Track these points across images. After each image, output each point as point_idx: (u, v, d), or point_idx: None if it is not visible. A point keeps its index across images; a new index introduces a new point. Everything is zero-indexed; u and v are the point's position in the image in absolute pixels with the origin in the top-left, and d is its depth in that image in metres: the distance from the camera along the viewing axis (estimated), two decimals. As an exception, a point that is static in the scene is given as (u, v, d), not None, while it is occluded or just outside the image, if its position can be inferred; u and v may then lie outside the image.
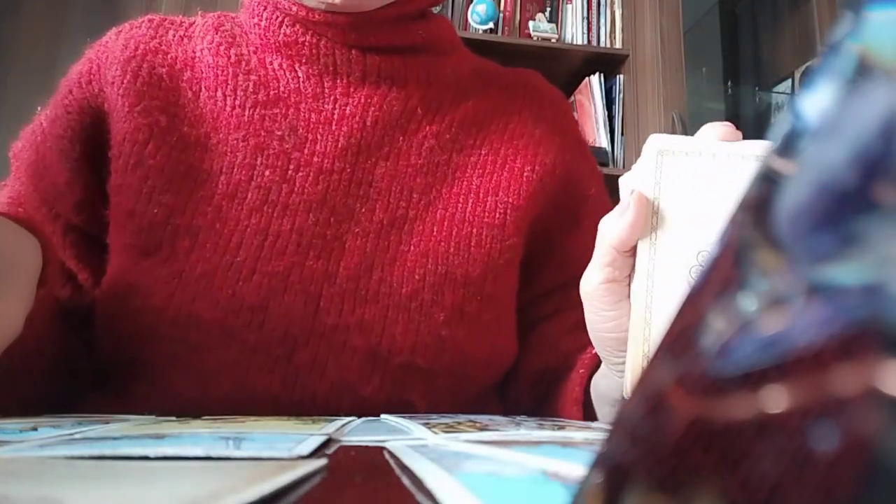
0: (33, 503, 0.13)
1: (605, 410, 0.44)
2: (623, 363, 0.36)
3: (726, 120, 0.33)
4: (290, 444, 0.22)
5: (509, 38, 1.84)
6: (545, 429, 0.30)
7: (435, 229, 0.48)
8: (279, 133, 0.47)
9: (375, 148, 0.48)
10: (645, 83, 1.81)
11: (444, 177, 0.50)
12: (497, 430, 0.28)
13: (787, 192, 0.11)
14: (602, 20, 1.90)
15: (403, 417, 0.35)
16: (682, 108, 1.75)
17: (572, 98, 1.94)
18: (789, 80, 2.19)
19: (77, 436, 0.24)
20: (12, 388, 0.41)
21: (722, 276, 0.11)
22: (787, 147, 0.11)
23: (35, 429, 0.27)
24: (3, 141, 0.56)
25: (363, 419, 0.36)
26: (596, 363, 0.45)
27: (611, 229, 0.34)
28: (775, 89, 2.26)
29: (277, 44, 0.49)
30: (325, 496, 0.16)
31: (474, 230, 0.48)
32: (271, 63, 0.49)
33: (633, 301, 0.34)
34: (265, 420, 0.33)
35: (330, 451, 0.23)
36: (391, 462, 0.21)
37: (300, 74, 0.49)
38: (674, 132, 1.69)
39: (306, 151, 0.47)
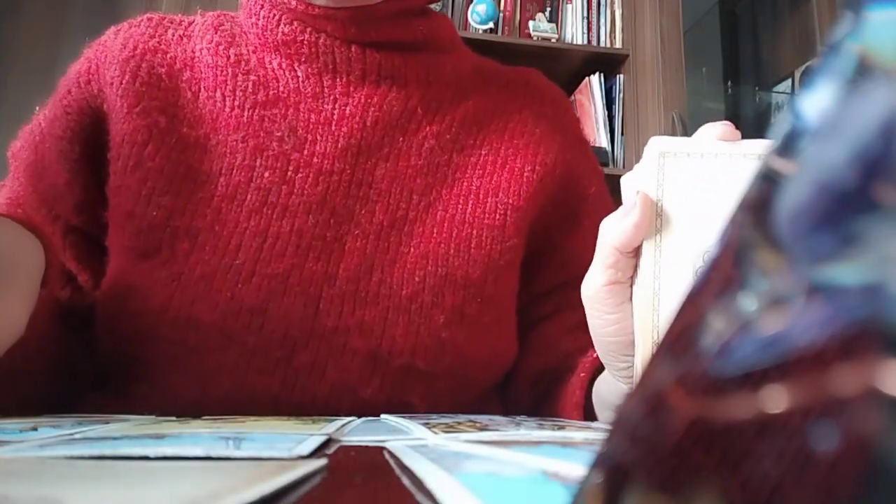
0: (33, 503, 0.12)
1: (606, 415, 0.43)
2: (626, 368, 0.36)
3: (726, 120, 0.33)
4: (290, 444, 0.22)
5: (509, 37, 1.84)
6: (545, 429, 0.30)
7: (435, 231, 0.47)
8: (278, 134, 0.47)
9: (375, 149, 0.48)
10: (645, 83, 1.81)
11: (444, 178, 0.49)
12: (497, 430, 0.28)
13: (787, 192, 0.11)
14: (602, 20, 1.90)
15: (403, 417, 0.35)
16: (682, 107, 1.75)
17: (572, 98, 1.94)
18: (789, 80, 2.18)
19: (77, 436, 0.24)
20: (13, 388, 0.41)
21: (722, 276, 0.11)
22: (787, 147, 0.11)
23: (35, 429, 0.27)
24: (2, 141, 0.56)
25: (363, 419, 0.36)
26: (597, 366, 0.44)
27: (614, 230, 0.33)
28: (775, 89, 2.26)
29: (276, 42, 0.49)
30: (325, 496, 0.16)
31: (474, 231, 0.48)
32: (270, 63, 0.49)
33: (635, 303, 0.33)
34: (265, 420, 0.33)
35: (330, 451, 0.23)
36: (391, 462, 0.21)
37: (299, 74, 0.49)
38: (674, 132, 1.69)
39: (306, 152, 0.47)
